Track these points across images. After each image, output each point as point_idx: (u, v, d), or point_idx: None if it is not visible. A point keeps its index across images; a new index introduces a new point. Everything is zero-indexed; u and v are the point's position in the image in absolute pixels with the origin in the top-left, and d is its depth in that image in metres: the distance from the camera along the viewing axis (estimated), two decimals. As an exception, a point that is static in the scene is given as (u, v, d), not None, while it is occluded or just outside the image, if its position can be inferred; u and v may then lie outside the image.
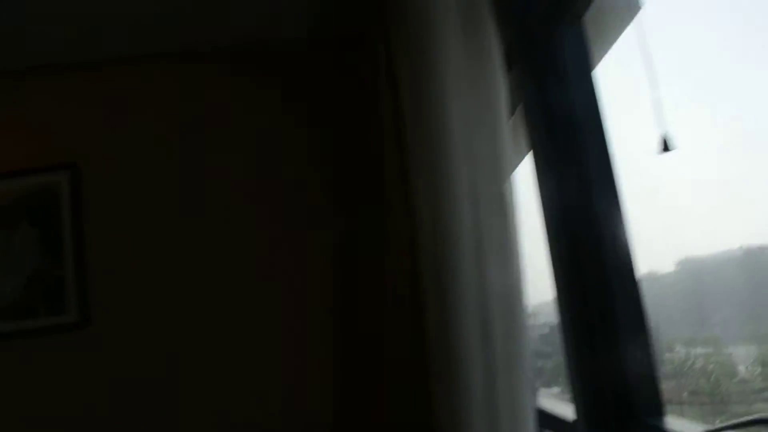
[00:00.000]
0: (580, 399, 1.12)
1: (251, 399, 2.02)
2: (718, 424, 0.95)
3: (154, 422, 1.99)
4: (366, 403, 1.99)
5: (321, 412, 2.00)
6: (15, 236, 2.14)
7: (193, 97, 2.24)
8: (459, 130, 1.13)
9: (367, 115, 1.96)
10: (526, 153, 1.19)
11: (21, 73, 2.23)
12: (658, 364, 1.10)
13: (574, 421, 1.13)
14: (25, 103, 2.24)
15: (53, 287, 2.09)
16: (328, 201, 2.15)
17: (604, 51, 1.19)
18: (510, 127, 1.14)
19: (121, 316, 2.06)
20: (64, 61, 2.20)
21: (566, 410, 1.17)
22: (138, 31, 2.06)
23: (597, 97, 1.14)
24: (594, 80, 1.15)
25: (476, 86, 1.14)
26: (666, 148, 1.01)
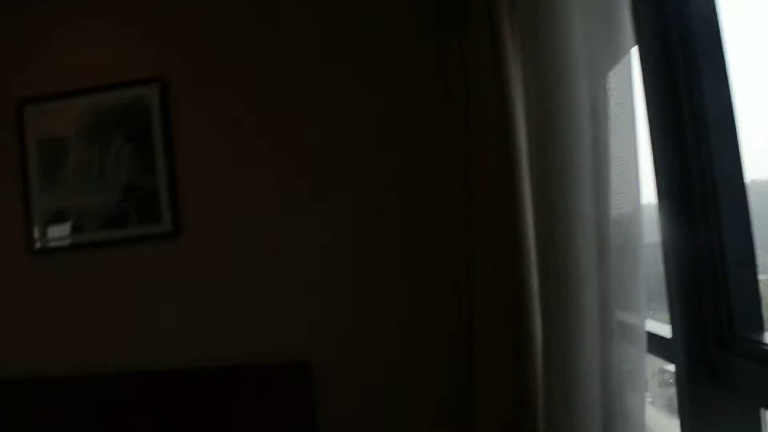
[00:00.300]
0: (677, 315, 1.06)
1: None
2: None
3: (236, 327, 2.12)
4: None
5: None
6: (110, 149, 2.17)
7: (271, 17, 2.17)
8: (580, 38, 1.02)
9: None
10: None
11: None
12: (759, 277, 1.06)
13: (671, 339, 1.08)
14: (116, 18, 2.24)
15: (147, 199, 2.15)
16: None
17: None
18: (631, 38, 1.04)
19: (210, 226, 2.16)
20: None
21: (661, 328, 1.12)
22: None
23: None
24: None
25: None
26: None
